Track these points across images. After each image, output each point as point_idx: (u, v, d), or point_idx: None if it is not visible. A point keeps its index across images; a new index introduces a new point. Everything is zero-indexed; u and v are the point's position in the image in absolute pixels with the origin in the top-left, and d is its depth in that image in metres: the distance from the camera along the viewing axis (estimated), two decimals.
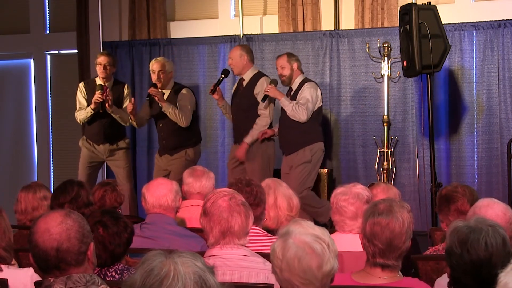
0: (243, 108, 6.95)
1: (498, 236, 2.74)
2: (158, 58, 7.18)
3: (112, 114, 7.11)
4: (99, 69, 7.18)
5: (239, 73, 7.01)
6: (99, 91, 7.02)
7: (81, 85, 7.41)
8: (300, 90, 6.72)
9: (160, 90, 7.00)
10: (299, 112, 6.64)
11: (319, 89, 6.79)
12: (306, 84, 6.73)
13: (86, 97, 7.25)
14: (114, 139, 7.26)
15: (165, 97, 7.03)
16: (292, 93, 6.80)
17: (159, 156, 7.21)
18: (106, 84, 7.15)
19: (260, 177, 6.66)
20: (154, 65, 7.06)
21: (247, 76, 7.01)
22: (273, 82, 6.86)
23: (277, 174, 7.24)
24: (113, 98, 7.14)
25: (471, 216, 3.29)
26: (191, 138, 7.12)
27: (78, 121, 7.33)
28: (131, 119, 7.10)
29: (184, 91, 7.08)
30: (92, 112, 7.10)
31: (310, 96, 6.66)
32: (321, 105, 6.80)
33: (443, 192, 4.20)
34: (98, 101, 7.01)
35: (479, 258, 2.70)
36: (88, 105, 7.19)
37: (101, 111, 7.07)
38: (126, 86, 7.38)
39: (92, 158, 7.29)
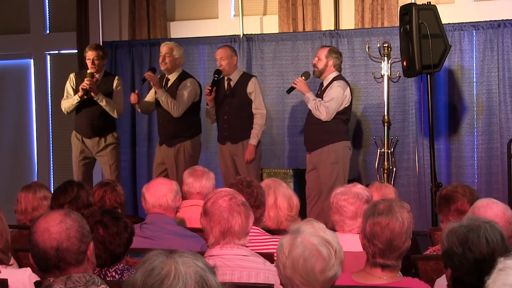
0: (236, 107, 6.97)
1: (497, 231, 2.75)
2: (168, 42, 7.22)
3: (98, 102, 7.08)
4: (88, 63, 7.18)
5: (227, 74, 7.02)
6: (87, 77, 7.02)
7: (72, 75, 7.42)
8: (328, 87, 6.71)
9: (165, 74, 7.08)
10: (320, 110, 6.62)
11: (348, 88, 6.69)
12: (335, 82, 6.68)
13: (74, 87, 7.24)
14: (103, 132, 7.22)
15: (169, 83, 7.08)
16: (322, 88, 6.79)
17: (159, 146, 7.23)
18: (97, 76, 7.15)
19: (254, 174, 6.73)
20: (162, 48, 7.10)
21: (235, 77, 7.03)
22: (305, 74, 6.84)
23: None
24: (103, 90, 7.13)
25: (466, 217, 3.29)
26: (189, 129, 7.10)
27: (63, 109, 7.29)
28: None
29: (188, 81, 7.09)
30: (79, 99, 7.09)
31: (335, 95, 6.62)
32: (349, 105, 6.72)
33: (443, 192, 4.20)
34: (85, 87, 6.99)
35: (482, 255, 2.70)
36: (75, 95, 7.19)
37: (85, 96, 7.03)
38: (116, 78, 7.35)
39: (82, 154, 7.27)
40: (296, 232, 2.60)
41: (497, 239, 2.73)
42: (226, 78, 7.06)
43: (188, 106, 7.03)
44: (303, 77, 6.80)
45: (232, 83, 7.04)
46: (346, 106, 6.69)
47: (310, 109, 6.74)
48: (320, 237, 2.58)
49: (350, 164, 7.67)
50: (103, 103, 7.09)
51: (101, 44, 8.53)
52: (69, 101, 7.21)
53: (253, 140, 6.93)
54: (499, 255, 2.65)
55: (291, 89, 6.82)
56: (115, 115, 7.21)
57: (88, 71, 7.15)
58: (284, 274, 2.57)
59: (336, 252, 2.58)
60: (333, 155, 6.65)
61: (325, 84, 6.76)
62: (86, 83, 6.99)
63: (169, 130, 7.08)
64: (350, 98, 6.71)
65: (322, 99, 6.65)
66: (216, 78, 7.01)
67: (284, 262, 2.57)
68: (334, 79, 6.71)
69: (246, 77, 7.04)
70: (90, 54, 7.16)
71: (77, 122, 7.30)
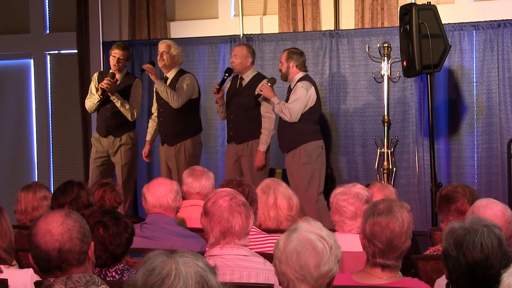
0: (243, 108, 6.97)
1: (494, 237, 2.73)
2: (166, 40, 7.26)
3: (114, 102, 7.10)
4: (112, 61, 7.18)
5: (239, 72, 7.03)
6: (108, 77, 7.05)
7: (95, 74, 7.47)
8: (293, 89, 6.75)
9: (164, 73, 7.13)
10: (283, 112, 6.69)
11: (313, 87, 6.76)
12: (298, 83, 6.75)
13: (97, 86, 7.27)
14: (117, 132, 7.24)
15: (168, 81, 7.09)
16: (290, 91, 6.84)
17: (161, 145, 7.24)
18: (117, 76, 7.17)
19: (259, 175, 6.71)
20: (160, 45, 7.14)
21: (247, 76, 7.03)
22: (271, 81, 6.89)
23: (272, 173, 7.28)
24: (121, 90, 7.14)
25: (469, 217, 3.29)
26: (190, 126, 7.11)
27: (86, 108, 7.38)
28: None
29: (186, 76, 7.10)
30: (99, 99, 7.12)
31: (299, 95, 6.68)
32: (315, 104, 6.77)
33: (443, 192, 4.20)
34: (103, 87, 7.02)
35: (474, 261, 2.69)
36: None
37: (101, 96, 7.06)
38: (136, 80, 7.34)
39: (98, 154, 7.30)
40: (293, 229, 2.62)
41: (492, 245, 2.71)
42: (239, 76, 7.07)
43: (188, 99, 7.04)
44: (269, 84, 6.84)
45: (243, 83, 7.04)
46: (312, 105, 6.75)
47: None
48: (315, 233, 2.59)
49: (350, 164, 7.70)
50: (118, 104, 7.12)
51: (101, 44, 8.56)
52: (91, 100, 7.26)
53: (262, 146, 6.91)
54: (494, 261, 2.66)
55: (257, 96, 6.84)
56: (129, 117, 7.20)
57: (110, 71, 7.18)
58: (280, 269, 2.58)
59: (332, 248, 2.58)
60: (305, 156, 6.69)
61: (292, 86, 6.82)
62: (104, 82, 7.03)
63: (170, 128, 7.09)
64: (315, 97, 6.77)
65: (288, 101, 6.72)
66: (226, 77, 7.03)
67: (279, 257, 2.58)
68: (299, 80, 6.76)
69: (258, 79, 7.01)
70: (117, 52, 7.17)
71: (97, 121, 7.39)
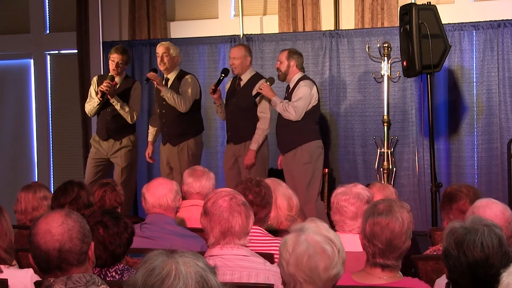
0: (241, 108, 6.97)
1: (494, 236, 2.73)
2: (164, 42, 7.24)
3: (113, 105, 7.10)
4: (111, 65, 7.18)
5: (239, 73, 7.03)
6: (107, 80, 7.04)
7: (95, 78, 7.46)
8: (296, 88, 6.75)
9: (164, 75, 7.12)
10: (288, 110, 6.69)
11: (315, 87, 6.79)
12: (301, 82, 6.76)
13: (96, 90, 7.27)
14: (118, 135, 7.24)
15: (169, 82, 7.09)
16: (289, 90, 6.84)
17: (163, 145, 7.24)
18: (116, 79, 7.16)
19: (257, 175, 6.70)
20: (158, 48, 7.12)
21: (245, 77, 7.02)
22: (270, 80, 6.89)
23: (272, 173, 7.26)
24: (120, 93, 7.14)
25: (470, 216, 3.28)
26: (192, 126, 7.12)
27: (86, 112, 7.37)
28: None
29: (187, 77, 7.11)
30: (99, 102, 7.11)
31: (302, 94, 6.69)
32: (317, 104, 6.80)
33: (448, 190, 4.23)
34: (102, 89, 7.02)
35: (475, 260, 2.69)
36: None
37: (101, 99, 7.06)
38: (136, 82, 7.34)
39: (97, 155, 7.29)
40: (300, 230, 2.61)
41: (493, 244, 2.71)
42: (238, 77, 7.07)
43: (193, 101, 7.05)
44: (268, 83, 6.84)
45: (241, 83, 7.04)
46: (315, 104, 6.78)
47: (279, 112, 6.81)
48: (323, 236, 2.59)
49: (350, 164, 7.70)
50: (117, 106, 7.11)
51: (101, 44, 8.56)
52: (91, 104, 7.25)
53: (253, 145, 6.89)
54: (494, 260, 2.66)
55: (257, 95, 6.85)
56: (129, 120, 7.19)
57: (109, 74, 7.17)
58: (287, 271, 2.57)
59: (339, 251, 2.59)
60: (306, 155, 6.71)
61: (291, 86, 6.83)
62: (104, 85, 7.03)
63: (173, 128, 7.10)
64: (317, 97, 6.79)
65: (290, 101, 6.71)
66: (222, 77, 7.03)
67: (287, 259, 2.57)
68: (300, 79, 6.78)
69: (256, 79, 7.00)
70: (115, 57, 7.16)
71: (97, 124, 7.38)
